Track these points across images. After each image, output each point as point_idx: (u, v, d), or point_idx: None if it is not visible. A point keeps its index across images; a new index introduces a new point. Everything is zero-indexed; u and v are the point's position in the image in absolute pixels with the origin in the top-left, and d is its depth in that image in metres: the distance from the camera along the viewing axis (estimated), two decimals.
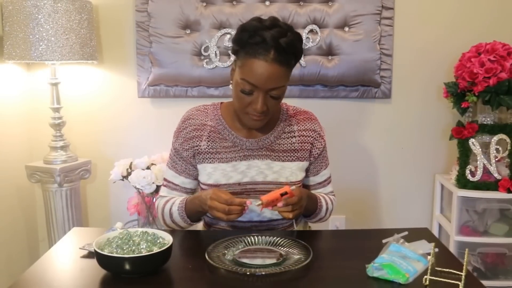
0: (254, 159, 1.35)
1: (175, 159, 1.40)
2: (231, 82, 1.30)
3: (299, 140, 1.39)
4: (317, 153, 1.41)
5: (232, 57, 1.32)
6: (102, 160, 2.31)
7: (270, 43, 1.17)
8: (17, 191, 2.20)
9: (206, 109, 1.40)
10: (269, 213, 1.37)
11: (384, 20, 2.20)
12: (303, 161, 1.39)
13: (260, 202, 1.16)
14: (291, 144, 1.38)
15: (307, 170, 1.43)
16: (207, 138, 1.36)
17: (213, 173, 1.35)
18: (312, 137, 1.40)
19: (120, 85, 2.28)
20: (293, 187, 1.20)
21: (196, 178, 1.41)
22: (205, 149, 1.35)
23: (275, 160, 1.36)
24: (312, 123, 1.41)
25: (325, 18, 2.18)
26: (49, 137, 2.12)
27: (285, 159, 1.37)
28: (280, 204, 1.17)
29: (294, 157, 1.38)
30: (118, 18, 2.24)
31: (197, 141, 1.36)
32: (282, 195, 1.17)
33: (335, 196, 1.51)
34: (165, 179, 1.44)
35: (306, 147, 1.39)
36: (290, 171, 1.37)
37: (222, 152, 1.35)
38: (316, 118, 1.44)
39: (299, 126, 1.40)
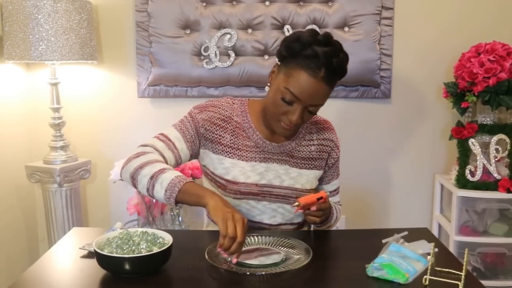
0: (273, 162, 1.35)
1: (188, 126, 1.31)
2: (268, 84, 1.29)
3: (317, 149, 1.39)
4: (331, 163, 1.43)
5: (277, 61, 1.28)
6: (102, 160, 2.31)
7: (322, 60, 1.16)
8: (17, 191, 2.20)
9: (233, 103, 1.37)
10: (280, 218, 1.37)
11: (384, 20, 2.20)
12: (319, 170, 1.40)
13: (297, 203, 1.17)
14: (309, 152, 1.38)
15: (320, 179, 1.44)
16: (232, 132, 1.33)
17: (231, 168, 1.32)
18: (329, 147, 1.41)
19: (120, 85, 2.28)
20: (328, 192, 1.24)
21: (192, 155, 1.34)
22: (227, 142, 1.33)
23: (293, 167, 1.36)
24: (330, 133, 1.43)
25: (325, 18, 2.18)
26: (49, 137, 2.12)
27: (302, 166, 1.37)
28: (313, 208, 1.19)
29: (311, 165, 1.38)
30: (118, 18, 2.24)
31: (221, 131, 1.33)
32: (318, 199, 1.20)
33: (341, 206, 1.52)
34: (164, 135, 1.30)
35: (323, 156, 1.40)
36: (307, 179, 1.37)
37: (243, 150, 1.33)
38: (333, 128, 1.45)
39: (318, 135, 1.41)
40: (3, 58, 1.96)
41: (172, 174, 1.17)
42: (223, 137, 1.33)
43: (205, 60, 2.20)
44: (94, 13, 2.11)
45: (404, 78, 2.29)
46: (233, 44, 2.19)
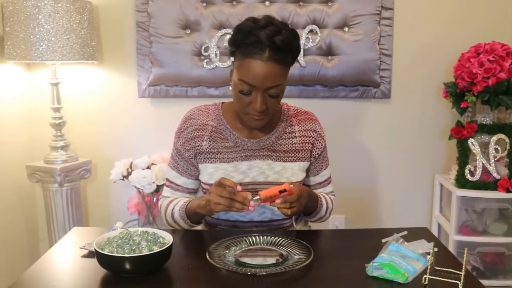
0: (255, 159, 1.36)
1: (177, 159, 1.40)
2: (230, 83, 1.31)
3: (300, 141, 1.39)
4: (317, 154, 1.42)
5: (231, 58, 1.31)
6: (103, 160, 2.32)
7: (265, 42, 1.17)
8: (18, 190, 2.20)
9: (207, 109, 1.40)
10: (269, 214, 1.38)
11: (383, 20, 2.21)
12: (304, 161, 1.40)
13: (258, 197, 1.16)
14: (292, 145, 1.38)
15: (307, 170, 1.43)
16: (209, 138, 1.36)
17: (214, 173, 1.35)
18: (313, 138, 1.41)
19: (120, 85, 2.28)
20: (292, 185, 1.20)
21: (197, 178, 1.41)
22: (206, 149, 1.36)
23: (276, 161, 1.37)
24: (313, 124, 1.42)
25: (325, 18, 2.19)
26: (49, 137, 2.13)
27: (286, 159, 1.37)
28: (278, 201, 1.17)
29: (295, 157, 1.38)
30: (119, 18, 2.24)
31: (199, 141, 1.36)
32: (280, 192, 1.17)
33: (335, 196, 1.51)
34: (167, 180, 1.44)
35: (307, 147, 1.40)
36: (291, 172, 1.37)
37: (223, 152, 1.35)
38: (316, 118, 1.45)
39: (300, 126, 1.40)
40: (4, 58, 1.96)
41: (177, 209, 1.35)
42: (201, 146, 1.36)
43: (205, 60, 2.21)
44: (94, 13, 2.11)
45: (404, 78, 2.29)
46: None
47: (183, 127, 1.39)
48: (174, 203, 1.38)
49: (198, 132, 1.36)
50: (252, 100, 1.24)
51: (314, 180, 1.46)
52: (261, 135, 1.37)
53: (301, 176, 1.40)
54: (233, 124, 1.37)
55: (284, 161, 1.37)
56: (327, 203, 1.42)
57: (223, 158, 1.35)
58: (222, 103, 1.42)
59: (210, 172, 1.36)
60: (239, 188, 1.16)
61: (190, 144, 1.36)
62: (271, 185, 1.33)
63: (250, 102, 1.24)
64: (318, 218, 1.43)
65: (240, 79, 1.22)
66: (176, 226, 1.39)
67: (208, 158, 1.36)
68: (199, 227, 1.51)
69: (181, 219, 1.35)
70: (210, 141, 1.36)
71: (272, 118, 1.35)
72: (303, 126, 1.41)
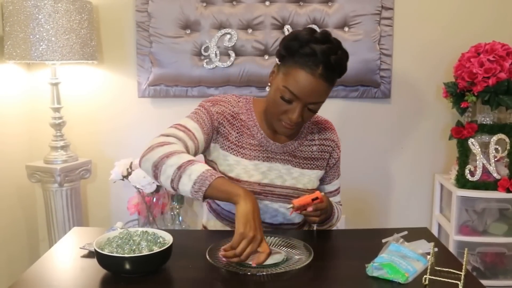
0: (275, 162, 1.35)
1: (204, 118, 1.29)
2: (269, 84, 1.29)
3: (318, 149, 1.39)
4: (333, 163, 1.43)
5: (275, 60, 1.28)
6: (103, 160, 2.32)
7: (320, 57, 1.16)
8: (18, 190, 2.20)
9: (239, 101, 1.37)
10: (281, 218, 1.37)
11: (383, 20, 2.21)
12: (321, 169, 1.41)
13: (291, 205, 1.17)
14: (311, 152, 1.39)
15: (321, 179, 1.44)
16: (238, 130, 1.33)
17: (235, 166, 1.32)
18: (331, 147, 1.41)
19: (120, 85, 2.28)
20: (323, 193, 1.23)
21: (205, 149, 1.32)
22: (234, 139, 1.33)
23: (295, 166, 1.36)
24: (331, 133, 1.43)
25: (325, 18, 2.19)
26: (49, 137, 2.13)
27: (304, 166, 1.37)
28: (310, 208, 1.19)
29: (313, 165, 1.39)
30: (119, 18, 2.24)
31: (230, 127, 1.33)
32: (313, 200, 1.19)
33: (341, 206, 1.53)
34: (182, 125, 1.25)
35: (325, 156, 1.41)
36: (309, 179, 1.37)
37: (247, 148, 1.34)
38: (334, 128, 1.45)
39: (320, 135, 1.41)
40: (4, 58, 1.96)
41: (202, 167, 1.11)
42: (230, 134, 1.33)
43: (205, 60, 2.21)
44: (94, 13, 2.11)
45: (404, 78, 2.29)
46: (233, 44, 2.19)
47: (222, 104, 1.32)
48: (193, 157, 1.16)
49: (232, 119, 1.33)
50: (290, 109, 1.22)
51: (326, 188, 1.47)
52: (286, 140, 1.36)
53: (316, 184, 1.40)
54: (261, 123, 1.36)
55: (302, 168, 1.37)
56: (338, 212, 1.43)
57: (245, 154, 1.33)
58: (253, 98, 1.40)
59: (231, 164, 1.32)
60: (253, 263, 1.05)
61: (223, 122, 1.31)
62: (287, 190, 1.34)
63: (287, 111, 1.23)
64: (328, 226, 1.43)
65: (285, 86, 1.20)
66: (159, 171, 1.13)
67: (232, 149, 1.33)
68: (200, 225, 1.50)
69: (194, 179, 1.09)
70: (238, 133, 1.33)
71: None
72: (323, 135, 1.41)
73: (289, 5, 2.18)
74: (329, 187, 1.47)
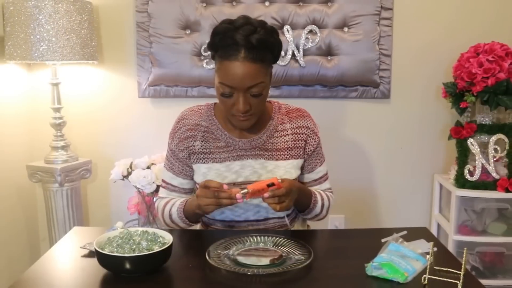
0: (247, 158, 1.36)
1: (172, 160, 1.41)
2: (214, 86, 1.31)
3: (292, 138, 1.39)
4: (311, 150, 1.41)
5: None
6: (103, 159, 2.32)
7: (240, 42, 1.18)
8: (18, 190, 2.20)
9: (200, 109, 1.41)
10: (264, 212, 1.38)
11: (383, 20, 2.21)
12: (297, 158, 1.39)
13: (246, 190, 1.16)
14: (284, 143, 1.38)
15: (302, 168, 1.43)
16: (201, 138, 1.37)
17: (207, 173, 1.36)
18: (305, 134, 1.40)
19: (121, 85, 2.29)
20: (279, 179, 1.19)
21: (193, 178, 1.41)
22: (199, 149, 1.36)
23: (268, 159, 1.36)
24: (305, 120, 1.41)
25: (325, 19, 2.19)
26: (49, 137, 2.13)
27: (278, 157, 1.37)
28: (266, 194, 1.16)
29: (287, 155, 1.38)
30: (119, 18, 2.24)
31: (192, 141, 1.37)
32: (268, 186, 1.17)
33: (332, 193, 1.49)
34: (163, 181, 1.45)
35: (299, 144, 1.39)
36: (284, 170, 1.37)
37: (215, 152, 1.36)
38: (309, 115, 1.43)
39: (291, 124, 1.40)
40: (4, 59, 1.97)
41: (174, 210, 1.36)
42: (194, 146, 1.37)
43: (205, 60, 2.21)
44: (94, 13, 2.11)
45: (403, 78, 2.29)
46: None
47: (176, 128, 1.39)
48: (171, 204, 1.38)
49: (191, 132, 1.37)
50: (234, 101, 1.24)
51: (309, 177, 1.45)
52: (252, 135, 1.37)
53: (295, 173, 1.39)
54: (225, 124, 1.38)
55: (276, 160, 1.37)
56: (322, 199, 1.40)
57: (216, 158, 1.36)
58: (215, 103, 1.42)
59: (204, 173, 1.36)
60: (225, 187, 1.17)
61: (184, 144, 1.37)
62: None
63: (233, 104, 1.24)
64: (314, 216, 1.42)
65: (220, 82, 1.23)
66: (174, 226, 1.40)
67: (201, 159, 1.36)
68: (197, 227, 1.51)
69: (179, 219, 1.36)
70: (202, 141, 1.36)
71: (261, 117, 1.35)
72: (295, 123, 1.40)
73: (288, 5, 2.19)
74: (312, 175, 1.45)
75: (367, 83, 2.25)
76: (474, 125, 2.03)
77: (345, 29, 2.21)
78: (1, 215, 2.08)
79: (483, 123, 2.06)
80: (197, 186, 1.41)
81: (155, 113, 2.31)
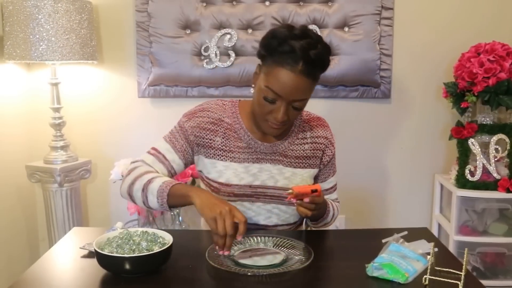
0: (266, 163, 1.34)
1: (177, 136, 1.33)
2: (253, 86, 1.28)
3: (311, 147, 1.38)
4: (327, 161, 1.41)
5: (258, 61, 1.28)
6: (102, 160, 2.32)
7: (299, 54, 1.15)
8: (17, 191, 2.20)
9: (224, 105, 1.37)
10: (275, 219, 1.36)
11: (383, 20, 2.21)
12: (314, 168, 1.39)
13: (290, 191, 1.15)
14: (303, 151, 1.37)
15: (315, 177, 1.43)
16: (223, 135, 1.33)
17: (224, 171, 1.32)
18: (323, 144, 1.39)
19: (120, 85, 2.28)
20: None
21: (186, 164, 1.36)
22: (219, 145, 1.32)
23: (286, 166, 1.35)
24: (324, 130, 1.40)
25: (325, 18, 2.19)
26: (49, 137, 2.13)
27: (296, 165, 1.36)
28: (307, 199, 1.16)
29: (305, 164, 1.37)
30: (118, 18, 2.24)
31: (212, 135, 1.32)
32: (312, 191, 1.17)
33: (339, 203, 1.50)
34: (154, 149, 1.34)
35: (317, 154, 1.39)
36: (301, 178, 1.36)
37: (235, 151, 1.33)
38: (328, 125, 1.43)
39: (312, 132, 1.39)
40: (3, 58, 1.96)
41: (159, 181, 1.21)
42: (214, 141, 1.32)
43: (205, 60, 2.21)
44: (94, 13, 2.11)
45: (404, 78, 2.29)
46: (233, 44, 2.19)
47: (198, 114, 1.33)
48: (155, 174, 1.26)
49: (213, 126, 1.33)
50: (274, 109, 1.21)
51: (321, 186, 1.45)
52: (274, 140, 1.35)
53: (310, 182, 1.39)
54: (248, 124, 1.34)
55: (294, 167, 1.36)
56: (333, 209, 1.41)
57: (234, 158, 1.33)
58: (239, 100, 1.39)
59: (220, 170, 1.33)
60: (239, 238, 1.09)
61: (201, 134, 1.32)
62: (280, 190, 1.33)
63: (272, 111, 1.22)
64: (323, 224, 1.42)
65: (267, 86, 1.19)
66: (134, 198, 1.26)
67: (219, 155, 1.33)
68: (198, 227, 1.50)
69: (156, 194, 1.20)
70: (223, 138, 1.33)
71: None
72: (315, 132, 1.39)
73: (289, 5, 2.18)
74: (324, 185, 1.45)
75: (367, 83, 2.25)
76: (475, 125, 2.03)
77: (346, 29, 2.20)
78: (0, 215, 2.08)
79: (484, 123, 2.06)
80: (210, 182, 1.34)
81: (155, 113, 2.30)
